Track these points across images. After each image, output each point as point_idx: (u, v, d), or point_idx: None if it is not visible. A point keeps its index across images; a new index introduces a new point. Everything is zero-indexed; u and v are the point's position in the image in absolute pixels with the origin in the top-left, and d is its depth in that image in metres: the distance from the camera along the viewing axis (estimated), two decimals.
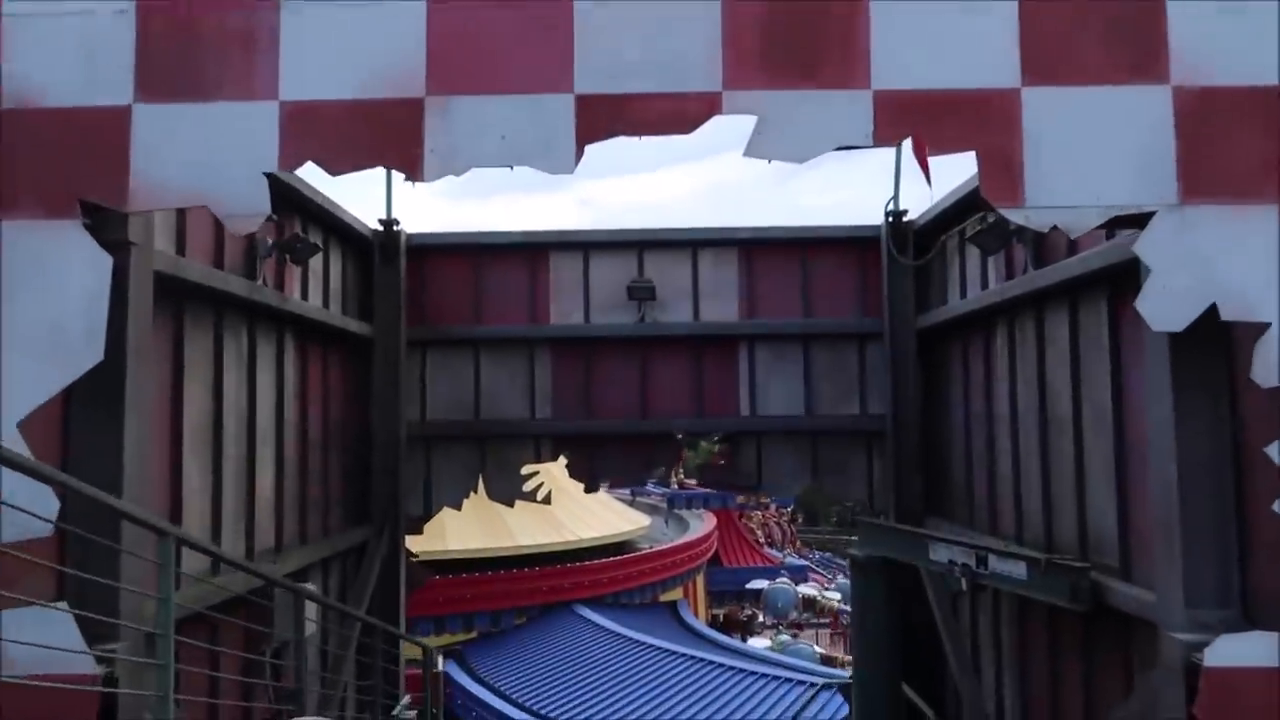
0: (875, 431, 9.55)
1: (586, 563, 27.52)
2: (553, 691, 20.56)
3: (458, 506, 9.66)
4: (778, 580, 37.86)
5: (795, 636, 35.49)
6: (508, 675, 22.27)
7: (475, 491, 9.74)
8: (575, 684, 20.87)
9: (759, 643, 35.55)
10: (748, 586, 38.18)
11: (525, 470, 9.75)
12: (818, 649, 33.88)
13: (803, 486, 9.76)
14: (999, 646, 7.68)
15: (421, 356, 9.71)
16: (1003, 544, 6.84)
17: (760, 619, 39.38)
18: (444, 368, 9.72)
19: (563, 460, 9.74)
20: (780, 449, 9.67)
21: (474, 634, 25.13)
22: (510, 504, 9.64)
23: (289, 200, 7.68)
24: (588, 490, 9.73)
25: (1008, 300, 7.29)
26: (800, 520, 54.65)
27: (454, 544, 26.01)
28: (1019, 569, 6.15)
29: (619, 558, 28.57)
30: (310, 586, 7.22)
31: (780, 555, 43.64)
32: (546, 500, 9.76)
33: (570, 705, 19.62)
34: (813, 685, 19.19)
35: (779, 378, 9.70)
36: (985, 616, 7.84)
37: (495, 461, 9.71)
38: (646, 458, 9.74)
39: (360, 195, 9.29)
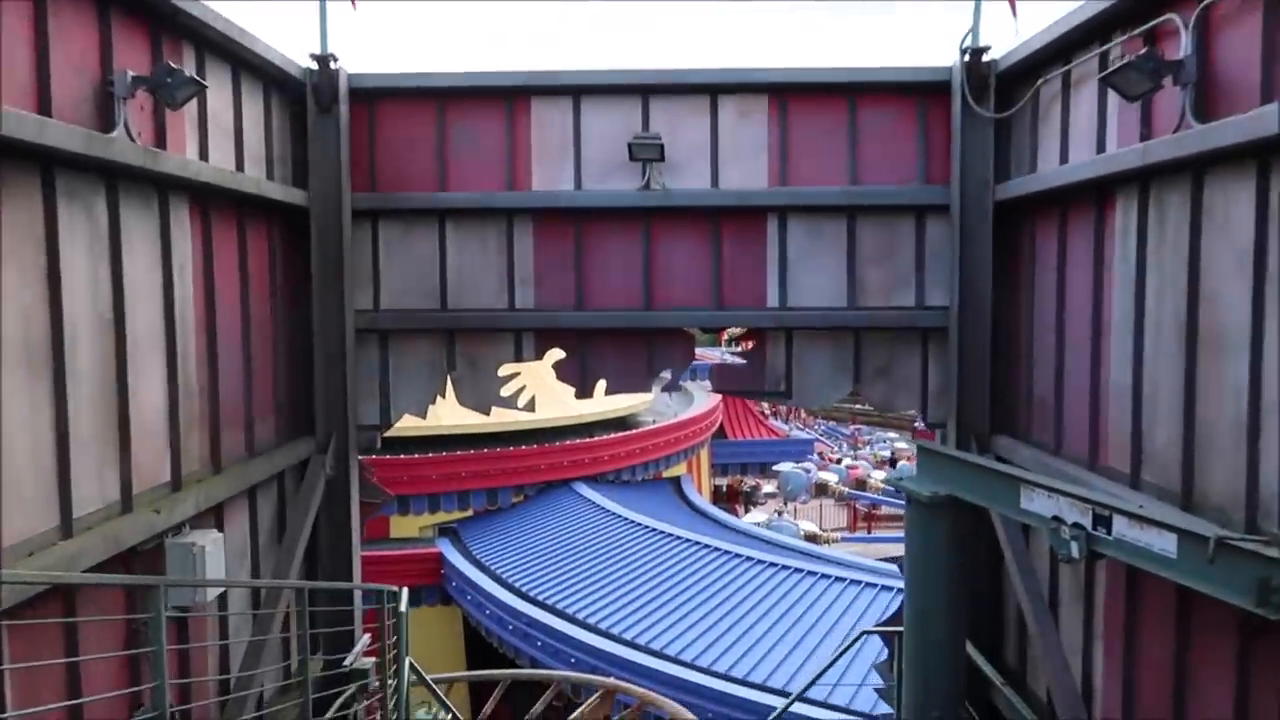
0: (934, 328, 7.66)
1: (587, 439, 26.16)
2: (548, 574, 19.47)
3: (422, 413, 7.90)
4: (794, 465, 36.85)
5: (780, 514, 34.68)
6: (503, 556, 21.18)
7: (443, 396, 7.96)
8: (572, 566, 19.76)
9: (760, 516, 34.80)
10: (775, 468, 37.23)
11: (503, 371, 7.94)
12: (803, 525, 33.08)
13: (842, 396, 7.97)
14: (1090, 609, 6.06)
15: (372, 231, 7.74)
16: (1133, 500, 5.07)
17: (763, 490, 38.56)
18: (401, 245, 7.77)
19: (549, 359, 7.92)
20: (815, 349, 7.80)
21: (469, 512, 23.99)
22: (485, 411, 7.88)
23: (167, 20, 5.59)
24: (580, 396, 7.93)
25: (1145, 167, 5.29)
26: None
27: (448, 420, 24.57)
28: (1165, 543, 4.41)
29: (621, 434, 27.21)
30: (207, 537, 5.53)
31: (786, 428, 42.52)
32: (530, 407, 8.00)
33: (566, 588, 18.53)
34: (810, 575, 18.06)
35: (816, 261, 7.75)
36: (1073, 569, 6.19)
37: (466, 360, 7.87)
38: (650, 358, 7.90)
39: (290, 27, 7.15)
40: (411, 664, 7.61)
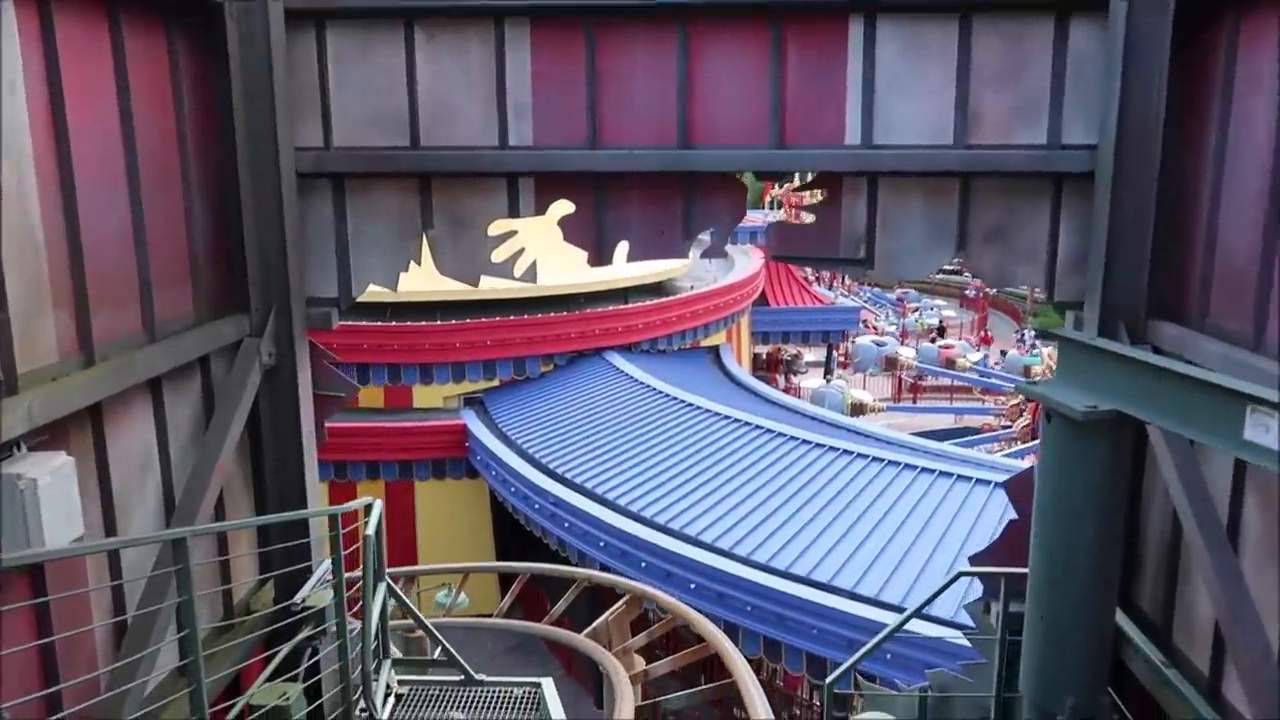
0: (1072, 175, 5.59)
1: (620, 306, 24.36)
2: (578, 450, 18.07)
3: (391, 284, 6.08)
4: (861, 336, 34.99)
5: (828, 381, 32.93)
6: (530, 429, 19.80)
7: (418, 261, 6.12)
8: (603, 442, 18.32)
9: (813, 382, 33.24)
10: (854, 340, 35.44)
11: (494, 230, 6.06)
12: (851, 392, 31.32)
13: (940, 265, 6.01)
14: None
15: (317, 40, 5.73)
16: None
17: (804, 359, 36.83)
18: (357, 60, 5.77)
19: (554, 213, 6.01)
20: (907, 204, 5.77)
21: (496, 382, 22.55)
22: (472, 281, 6.06)
23: None
24: (595, 263, 6.04)
25: None
26: None
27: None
28: None
29: (657, 301, 25.36)
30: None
31: (830, 294, 40.35)
32: (530, 277, 6.13)
33: (596, 466, 17.13)
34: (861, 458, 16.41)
35: (912, 82, 5.63)
36: (1266, 510, 4.36)
37: (446, 216, 5.98)
38: (687, 214, 5.94)
39: None
40: (391, 587, 6.04)
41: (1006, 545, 5.81)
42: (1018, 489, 5.84)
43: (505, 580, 21.09)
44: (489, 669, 6.66)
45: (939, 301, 55.68)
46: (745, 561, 13.41)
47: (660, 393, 20.75)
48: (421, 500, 21.24)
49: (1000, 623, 5.57)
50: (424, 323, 21.81)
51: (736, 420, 18.75)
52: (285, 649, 5.27)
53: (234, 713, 4.65)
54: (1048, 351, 36.20)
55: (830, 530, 14.02)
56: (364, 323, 21.70)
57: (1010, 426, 29.91)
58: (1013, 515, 5.89)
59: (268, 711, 4.63)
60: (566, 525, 16.16)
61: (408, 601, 6.46)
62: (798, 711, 17.25)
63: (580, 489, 16.46)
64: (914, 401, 36.90)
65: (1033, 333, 47.34)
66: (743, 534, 14.17)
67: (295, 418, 5.77)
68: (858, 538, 13.65)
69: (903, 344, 38.73)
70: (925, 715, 5.83)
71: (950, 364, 35.79)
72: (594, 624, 9.62)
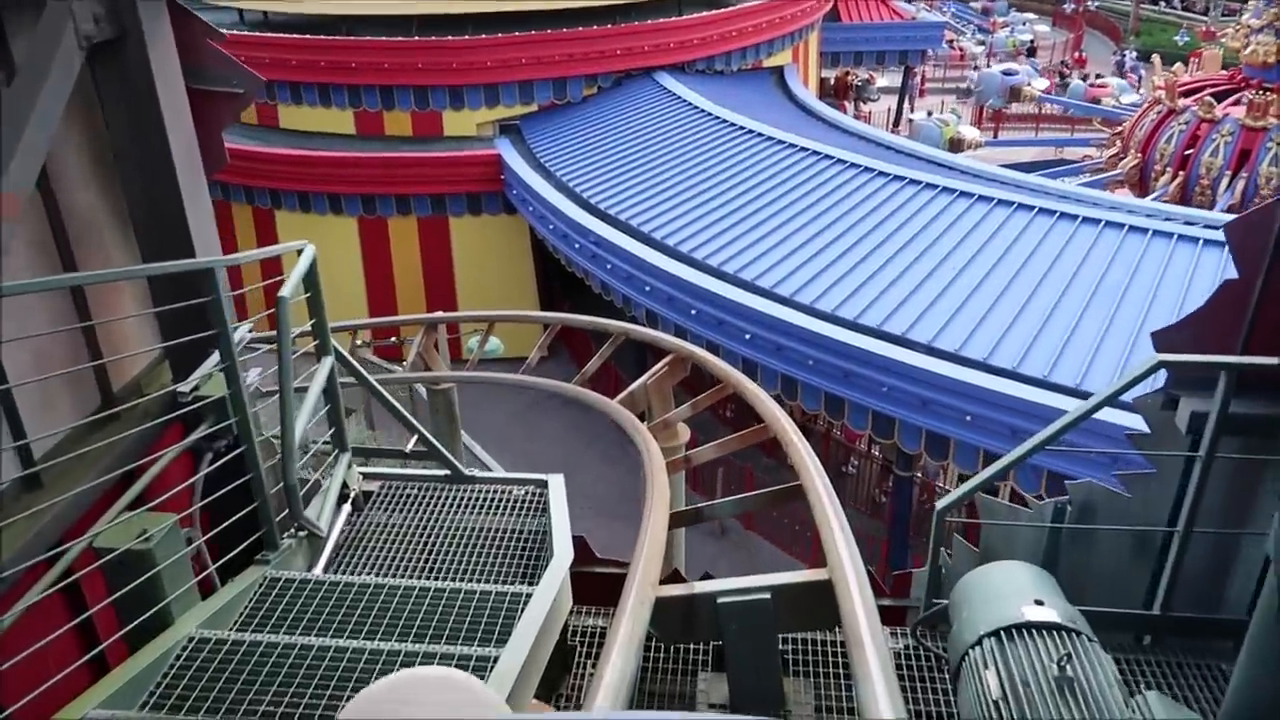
0: None
1: (672, 19, 21.22)
2: (623, 184, 16.01)
3: None
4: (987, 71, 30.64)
5: (929, 114, 29.50)
6: (571, 160, 17.66)
7: None
8: (652, 175, 16.19)
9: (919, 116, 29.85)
10: (975, 70, 31.20)
11: None
12: (960, 128, 28.04)
13: None
14: None
15: None
16: None
17: (875, 85, 33.15)
18: None
19: None
20: None
21: (533, 106, 20.13)
22: None
23: None
24: None
25: None
26: None
27: None
28: None
29: (713, 12, 22.08)
30: None
31: (911, 8, 35.64)
32: None
33: (643, 202, 15.17)
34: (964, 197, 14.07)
35: None
36: None
37: None
38: None
39: None
40: (340, 352, 4.38)
41: (1217, 318, 3.88)
42: (1245, 234, 3.82)
43: (544, 307, 19.91)
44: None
45: (1029, 16, 49.73)
46: (808, 310, 11.67)
47: (717, 118, 18.24)
48: (458, 237, 19.62)
49: (1201, 428, 3.77)
50: (452, 37, 19.15)
51: (804, 149, 16.36)
52: (167, 454, 3.71)
53: (65, 561, 3.15)
54: (1145, 75, 31.89)
55: (908, 275, 12.09)
56: (384, 38, 19.15)
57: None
58: (1230, 274, 3.90)
59: (118, 559, 3.11)
60: (609, 267, 14.47)
61: (358, 367, 4.82)
62: (856, 462, 16.21)
63: (624, 226, 14.60)
64: (995, 135, 33.33)
65: (1133, 54, 42.18)
66: (806, 279, 12.34)
67: (156, 124, 3.84)
68: (953, 288, 11.69)
69: (1094, 90, 33.70)
70: (1057, 544, 4.19)
71: (1095, 102, 31.60)
72: (630, 387, 8.08)
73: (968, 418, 10.12)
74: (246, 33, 20.34)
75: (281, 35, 20.14)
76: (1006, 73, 32.42)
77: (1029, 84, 32.37)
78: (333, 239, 19.55)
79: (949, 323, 10.95)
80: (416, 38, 19.19)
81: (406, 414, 4.93)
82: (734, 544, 14.85)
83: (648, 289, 13.57)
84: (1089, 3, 48.46)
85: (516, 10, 19.74)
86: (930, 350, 10.58)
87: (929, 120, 27.18)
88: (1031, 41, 42.97)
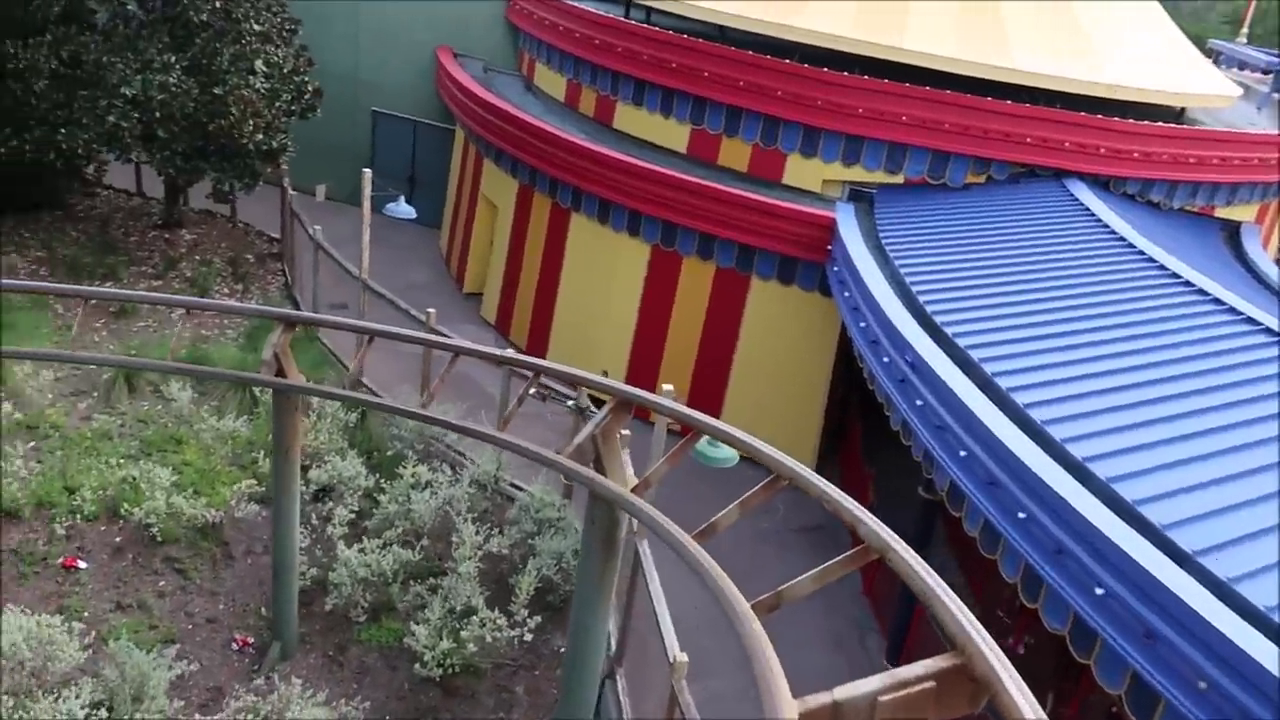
0: None
1: (1110, 119, 16.13)
2: (974, 302, 11.48)
3: None
4: None
5: None
6: (918, 253, 13.34)
7: None
8: (1020, 302, 11.51)
9: None
10: None
11: None
12: None
13: None
14: None
15: None
16: None
17: None
18: None
19: None
20: None
21: (899, 177, 16.02)
22: None
23: None
24: None
25: None
26: None
27: (914, 43, 16.01)
28: None
29: (1170, 126, 16.70)
30: None
31: None
32: None
33: (1002, 338, 10.53)
34: None
35: None
36: None
37: None
38: None
39: None
40: None
41: None
42: None
43: (831, 421, 15.64)
44: None
45: None
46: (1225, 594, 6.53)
47: (1143, 257, 13.02)
48: (755, 303, 15.96)
49: None
50: (826, 70, 15.58)
51: (1266, 331, 10.83)
52: None
53: None
54: None
55: None
56: (740, 51, 15.99)
57: None
58: None
59: None
60: (918, 404, 10.04)
61: None
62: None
63: (956, 354, 10.10)
64: None
65: None
66: (1230, 538, 7.15)
67: None
68: None
69: None
70: None
71: None
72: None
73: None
74: (611, 15, 18.12)
75: (642, 25, 17.67)
76: None
77: None
78: (621, 260, 16.71)
79: None
80: (786, 60, 15.82)
81: None
82: None
83: (963, 454, 8.99)
84: None
85: (912, 61, 15.77)
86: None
87: None
88: None
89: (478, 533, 10.64)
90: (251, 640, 10.48)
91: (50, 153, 14.82)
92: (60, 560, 10.80)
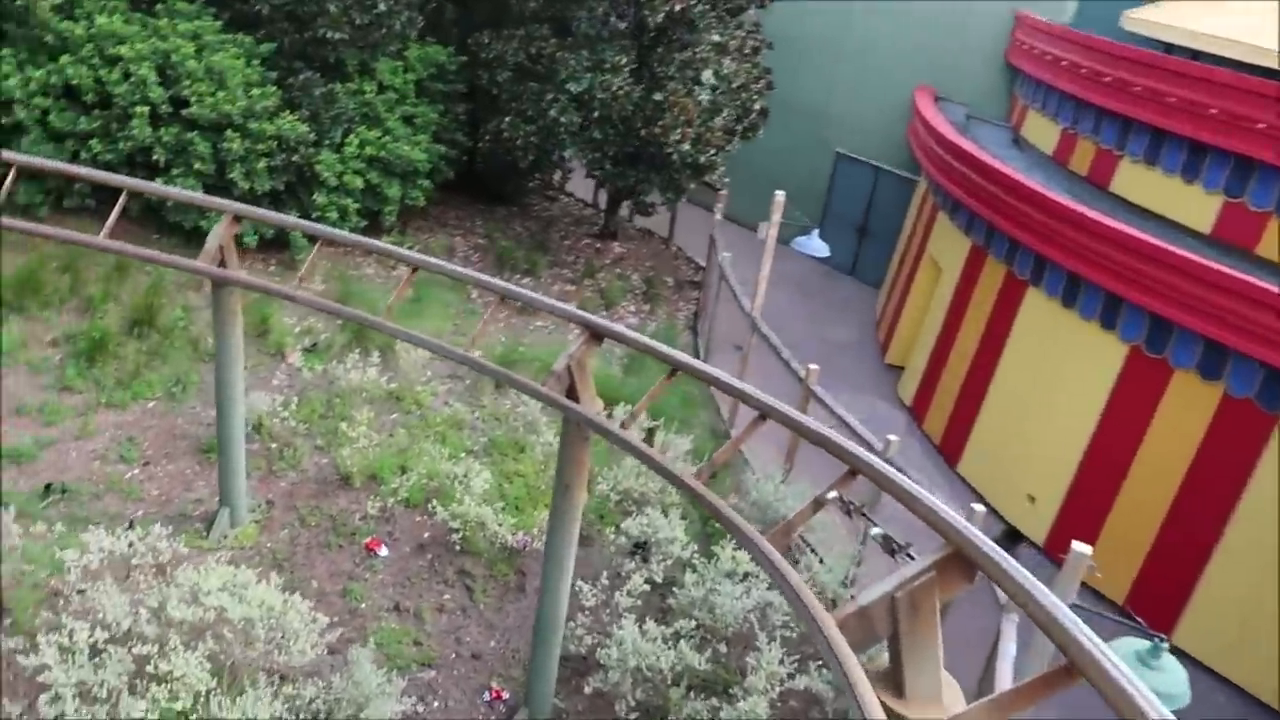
0: None
1: None
2: None
3: None
4: None
5: None
6: None
7: None
8: None
9: None
10: None
11: None
12: None
13: None
14: None
15: None
16: None
17: None
18: None
19: None
20: None
21: None
22: None
23: None
24: None
25: None
26: None
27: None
28: None
29: None
30: None
31: None
32: None
33: None
34: None
35: None
36: None
37: None
38: None
39: None
40: None
41: None
42: None
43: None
44: None
45: None
46: None
47: None
48: (1278, 451, 11.12)
49: None
50: None
51: None
52: None
53: None
54: None
55: None
56: None
57: None
58: None
59: None
60: None
61: None
62: None
63: None
64: None
65: None
66: None
67: None
68: None
69: None
70: None
71: None
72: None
73: None
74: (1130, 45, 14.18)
75: (1173, 58, 13.51)
76: None
77: None
78: (1082, 356, 12.85)
79: None
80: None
81: None
82: None
83: None
84: None
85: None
86: None
87: None
88: None
89: (784, 660, 7.99)
90: (507, 696, 8.91)
91: (501, 143, 15.08)
92: (366, 540, 10.23)
